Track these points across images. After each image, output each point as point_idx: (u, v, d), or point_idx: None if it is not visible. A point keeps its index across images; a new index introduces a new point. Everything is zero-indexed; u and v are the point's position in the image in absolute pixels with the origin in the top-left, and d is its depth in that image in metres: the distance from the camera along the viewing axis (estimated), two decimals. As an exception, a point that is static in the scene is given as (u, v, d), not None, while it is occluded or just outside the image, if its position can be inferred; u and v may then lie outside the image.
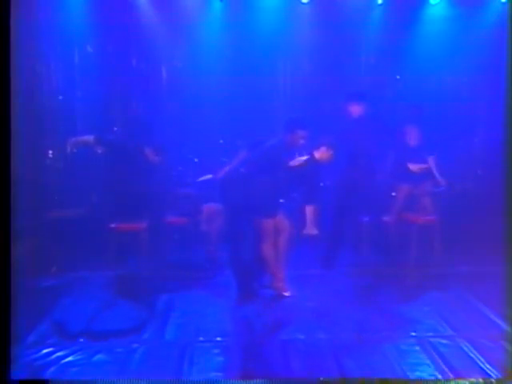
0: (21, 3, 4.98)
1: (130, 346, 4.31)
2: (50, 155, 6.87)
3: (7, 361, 3.53)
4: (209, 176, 6.30)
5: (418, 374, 3.89)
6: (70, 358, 4.10)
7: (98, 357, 4.14)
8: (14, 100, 3.70)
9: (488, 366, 3.96)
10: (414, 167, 6.26)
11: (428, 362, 4.06)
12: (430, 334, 4.53)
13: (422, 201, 6.45)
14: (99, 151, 5.84)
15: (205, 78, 7.20)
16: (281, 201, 5.49)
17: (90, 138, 5.84)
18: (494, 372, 3.89)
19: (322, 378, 3.78)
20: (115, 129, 7.15)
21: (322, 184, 6.94)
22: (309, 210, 5.40)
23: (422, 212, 6.41)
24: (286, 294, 5.38)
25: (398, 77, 7.66)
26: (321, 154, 5.41)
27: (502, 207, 5.23)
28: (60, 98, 6.99)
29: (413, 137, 6.40)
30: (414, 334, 4.53)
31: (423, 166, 6.27)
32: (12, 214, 3.57)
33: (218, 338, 4.43)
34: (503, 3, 6.79)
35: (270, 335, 4.55)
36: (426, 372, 3.91)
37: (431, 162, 6.35)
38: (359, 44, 7.47)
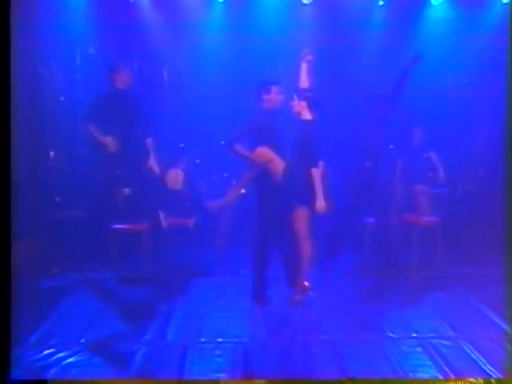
0: (21, 3, 5.00)
1: (131, 346, 4.29)
2: (52, 156, 6.86)
3: (8, 361, 3.53)
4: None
5: (419, 375, 3.88)
6: (71, 359, 4.08)
7: (100, 358, 4.12)
8: (15, 101, 3.71)
9: (490, 367, 3.95)
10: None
11: (430, 363, 4.05)
12: (432, 335, 4.51)
13: (422, 201, 6.43)
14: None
15: (206, 79, 7.20)
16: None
17: (107, 139, 5.89)
18: (496, 373, 3.88)
19: (323, 379, 3.79)
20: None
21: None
22: (315, 173, 4.86)
23: (423, 213, 6.38)
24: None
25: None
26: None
27: (503, 208, 5.23)
28: (61, 98, 6.99)
29: (416, 137, 6.39)
30: (415, 335, 4.52)
31: None
32: (13, 214, 3.57)
33: (220, 339, 4.42)
34: (505, 4, 6.78)
35: (273, 336, 4.55)
36: (428, 373, 3.90)
37: (434, 157, 6.32)
38: (360, 45, 7.45)
